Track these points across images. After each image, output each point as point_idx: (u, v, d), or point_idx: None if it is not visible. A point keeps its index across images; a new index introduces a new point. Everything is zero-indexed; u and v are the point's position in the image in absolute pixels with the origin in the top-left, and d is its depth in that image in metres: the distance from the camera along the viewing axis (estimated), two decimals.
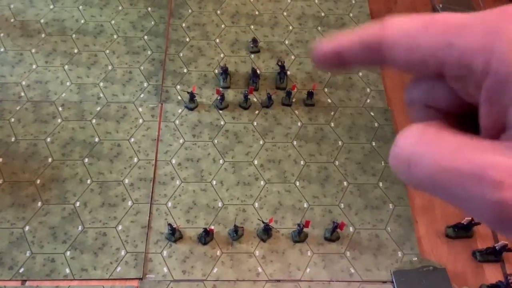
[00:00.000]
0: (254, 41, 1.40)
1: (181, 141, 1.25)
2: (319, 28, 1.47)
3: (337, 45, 0.24)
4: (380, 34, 0.22)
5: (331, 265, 1.09)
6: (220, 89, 1.30)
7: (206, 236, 1.09)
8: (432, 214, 1.17)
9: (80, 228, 1.11)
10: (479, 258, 1.10)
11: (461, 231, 1.12)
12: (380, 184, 1.20)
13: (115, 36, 1.42)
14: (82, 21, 1.44)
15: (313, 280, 1.07)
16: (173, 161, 1.21)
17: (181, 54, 1.40)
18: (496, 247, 1.08)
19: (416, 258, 1.10)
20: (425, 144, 0.20)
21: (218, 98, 1.29)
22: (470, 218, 1.09)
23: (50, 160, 1.20)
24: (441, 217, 1.16)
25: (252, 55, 1.41)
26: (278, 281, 1.07)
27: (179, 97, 1.32)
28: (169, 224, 1.08)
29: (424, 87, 0.24)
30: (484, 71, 0.19)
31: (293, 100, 1.32)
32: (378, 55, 0.22)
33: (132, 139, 1.24)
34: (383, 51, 0.22)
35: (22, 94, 1.30)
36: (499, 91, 0.19)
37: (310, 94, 1.30)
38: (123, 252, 1.08)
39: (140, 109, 1.29)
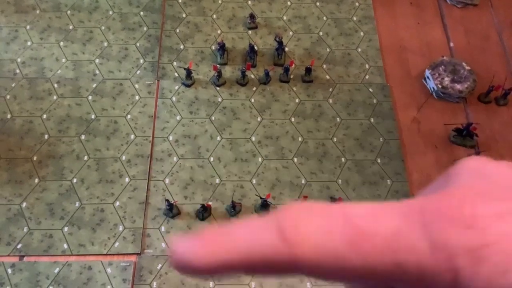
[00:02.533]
0: (252, 17, 1.38)
1: (178, 118, 1.24)
2: (317, 3, 1.45)
3: (221, 258, 0.17)
4: (288, 251, 0.17)
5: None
6: (217, 65, 1.29)
7: (204, 212, 1.10)
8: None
9: (77, 204, 1.11)
10: None
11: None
12: (378, 160, 1.20)
13: (110, 12, 1.40)
14: None
15: None
16: (170, 137, 1.21)
17: (177, 30, 1.38)
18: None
19: None
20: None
21: (215, 74, 1.28)
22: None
23: (46, 137, 1.19)
24: None
25: (250, 31, 1.39)
26: None
27: (176, 74, 1.30)
28: (167, 200, 1.08)
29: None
30: None
31: (291, 76, 1.31)
32: (293, 270, 0.17)
33: (129, 116, 1.23)
34: (299, 269, 0.17)
35: (17, 71, 1.29)
36: None
37: (308, 71, 1.29)
38: (121, 228, 1.08)
39: (137, 86, 1.28)
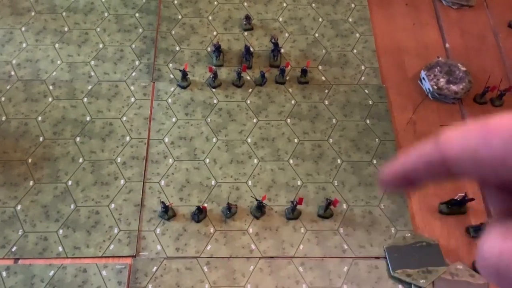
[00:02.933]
0: (247, 18, 1.38)
1: (174, 119, 1.24)
2: (313, 5, 1.45)
3: (401, 169, 0.24)
4: (440, 152, 0.22)
5: (324, 241, 1.09)
6: (213, 67, 1.29)
7: (200, 214, 1.09)
8: (425, 190, 1.17)
9: (72, 206, 1.10)
10: (472, 234, 1.10)
11: (455, 207, 1.12)
12: (374, 161, 1.20)
13: (106, 14, 1.40)
14: None
15: (306, 257, 1.07)
16: (166, 139, 1.21)
17: (173, 32, 1.38)
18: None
19: (409, 234, 1.10)
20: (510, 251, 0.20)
21: (211, 76, 1.28)
22: (464, 194, 1.09)
23: (41, 139, 1.19)
24: (435, 193, 1.16)
25: (245, 33, 1.39)
26: (272, 257, 1.07)
27: (172, 76, 1.30)
28: (162, 202, 1.07)
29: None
30: None
31: (287, 78, 1.31)
32: (445, 171, 0.23)
33: (124, 118, 1.23)
34: (448, 168, 0.22)
35: (13, 73, 1.28)
36: None
37: (304, 72, 1.29)
38: (116, 230, 1.08)
39: (132, 88, 1.27)
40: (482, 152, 0.20)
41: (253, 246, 1.08)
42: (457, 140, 0.22)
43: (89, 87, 1.27)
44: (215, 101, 1.27)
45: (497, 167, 0.20)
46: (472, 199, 1.10)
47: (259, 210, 1.11)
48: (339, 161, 1.20)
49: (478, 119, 0.21)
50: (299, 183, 1.16)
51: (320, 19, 1.43)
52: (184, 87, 1.28)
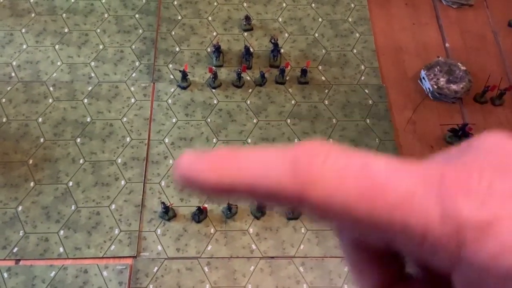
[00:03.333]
0: (247, 18, 1.38)
1: (174, 120, 1.24)
2: (313, 5, 1.45)
3: (227, 180, 0.17)
4: (296, 189, 0.16)
5: (324, 241, 1.09)
6: (213, 67, 1.29)
7: (200, 214, 1.09)
8: None
9: (73, 207, 1.10)
10: None
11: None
12: None
13: (106, 15, 1.40)
14: (72, 0, 1.42)
15: (306, 257, 1.07)
16: (166, 140, 1.21)
17: (173, 33, 1.38)
18: None
19: None
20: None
21: (211, 76, 1.28)
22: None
23: (42, 140, 1.19)
24: None
25: (245, 33, 1.39)
26: (272, 258, 1.07)
27: (172, 76, 1.30)
28: (163, 203, 1.08)
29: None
30: (453, 264, 0.16)
31: (287, 78, 1.31)
32: (295, 207, 0.17)
33: (125, 119, 1.23)
34: (302, 207, 0.17)
35: (13, 74, 1.28)
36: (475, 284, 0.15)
37: (304, 72, 1.29)
38: (116, 231, 1.08)
39: (132, 89, 1.28)
40: (361, 214, 0.16)
41: (253, 246, 1.08)
42: (326, 182, 0.16)
43: (89, 88, 1.27)
44: (215, 102, 1.27)
45: (373, 233, 0.16)
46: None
47: (260, 210, 1.11)
48: None
49: (349, 151, 0.17)
50: None
51: (320, 19, 1.43)
52: (184, 88, 1.28)
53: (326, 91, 1.30)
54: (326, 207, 0.16)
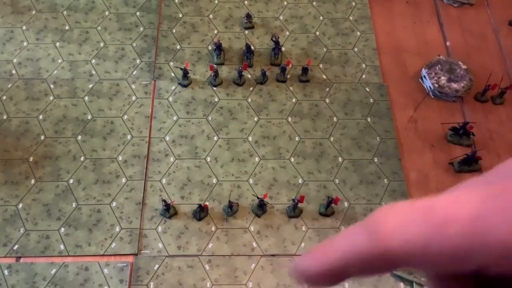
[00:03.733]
0: (248, 16, 1.38)
1: (175, 118, 1.24)
2: (314, 3, 1.45)
3: (327, 266, 0.20)
4: (378, 246, 0.18)
5: (326, 239, 1.09)
6: (214, 65, 1.29)
7: (201, 212, 1.09)
8: (426, 188, 1.17)
9: (74, 205, 1.10)
10: None
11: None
12: (375, 159, 1.20)
13: (106, 13, 1.40)
14: None
15: None
16: (167, 138, 1.21)
17: (174, 31, 1.38)
18: None
19: None
20: None
21: (212, 74, 1.28)
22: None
23: (42, 137, 1.19)
24: (436, 191, 1.16)
25: (246, 31, 1.39)
26: (273, 255, 1.07)
27: (172, 74, 1.30)
28: (164, 200, 1.08)
29: None
30: None
31: (288, 76, 1.31)
32: (385, 266, 0.19)
33: (125, 116, 1.23)
34: (390, 263, 0.19)
35: (14, 71, 1.28)
36: None
37: (305, 70, 1.29)
38: (117, 228, 1.08)
39: (133, 86, 1.27)
40: (435, 249, 0.17)
41: (254, 244, 1.08)
42: (399, 231, 0.18)
43: (90, 86, 1.27)
44: (216, 100, 1.27)
45: (456, 262, 0.18)
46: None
47: (261, 208, 1.11)
48: (340, 159, 1.20)
49: (413, 202, 0.19)
50: (300, 181, 1.16)
51: (321, 18, 1.43)
52: (185, 86, 1.28)
53: (327, 89, 1.30)
54: (408, 252, 0.18)
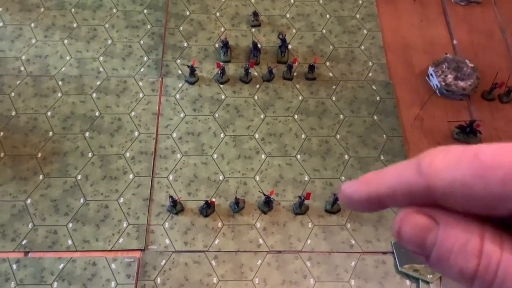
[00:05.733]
0: (255, 14, 1.38)
1: (182, 115, 1.24)
2: (321, 1, 1.45)
3: (373, 192, 0.22)
4: (425, 182, 0.20)
5: (331, 236, 1.10)
6: (221, 63, 1.29)
7: (208, 209, 1.10)
8: None
9: (81, 200, 1.11)
10: None
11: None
12: (382, 157, 1.20)
13: (114, 10, 1.40)
14: None
15: (313, 251, 1.08)
16: (174, 135, 1.21)
17: (181, 28, 1.38)
18: None
19: None
20: None
21: (219, 72, 1.28)
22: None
23: (50, 134, 1.20)
24: None
25: (253, 29, 1.39)
26: (279, 252, 1.08)
27: (180, 71, 1.31)
28: (171, 197, 1.08)
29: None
30: None
31: (294, 74, 1.31)
32: (428, 201, 0.21)
33: (133, 113, 1.24)
34: (433, 199, 0.20)
35: (22, 68, 1.29)
36: None
37: (312, 68, 1.29)
38: (125, 224, 1.09)
39: (140, 83, 1.28)
40: (478, 189, 0.19)
41: (260, 241, 1.08)
42: (446, 171, 0.20)
43: (98, 83, 1.28)
44: (223, 97, 1.27)
45: (493, 205, 0.19)
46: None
47: (267, 205, 1.11)
48: (346, 157, 1.20)
49: (464, 146, 0.20)
50: (306, 178, 1.17)
51: (328, 16, 1.43)
52: (192, 83, 1.29)
53: (334, 87, 1.30)
54: (449, 191, 0.20)
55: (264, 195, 1.10)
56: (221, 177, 1.16)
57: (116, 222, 1.09)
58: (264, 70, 1.31)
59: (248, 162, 1.18)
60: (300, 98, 1.28)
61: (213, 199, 1.12)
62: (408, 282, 1.05)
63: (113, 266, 1.04)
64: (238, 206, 1.11)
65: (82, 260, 1.04)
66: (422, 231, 0.21)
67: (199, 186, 1.15)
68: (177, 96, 1.27)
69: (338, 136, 1.23)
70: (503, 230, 0.20)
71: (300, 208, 1.11)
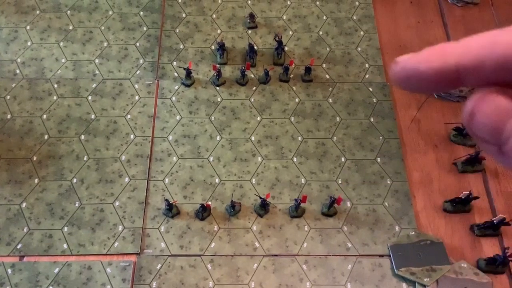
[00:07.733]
0: (251, 16, 1.38)
1: (178, 117, 1.24)
2: (317, 2, 1.45)
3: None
4: (457, 59, 0.21)
5: (328, 239, 1.09)
6: (217, 65, 1.29)
7: (203, 212, 1.09)
8: (429, 188, 1.17)
9: (77, 204, 1.11)
10: (476, 232, 1.10)
11: (459, 206, 1.12)
12: (378, 159, 1.20)
13: (110, 12, 1.40)
14: None
15: (310, 255, 1.07)
16: (170, 137, 1.21)
17: (177, 30, 1.38)
18: (494, 221, 1.07)
19: (413, 233, 1.10)
20: None
21: (215, 74, 1.28)
22: (468, 192, 1.09)
23: (46, 137, 1.19)
24: (439, 191, 1.16)
25: (249, 31, 1.39)
26: (275, 255, 1.07)
27: (176, 74, 1.30)
28: (166, 200, 1.08)
29: None
30: None
31: (291, 76, 1.31)
32: (455, 80, 0.21)
33: (129, 116, 1.23)
34: (459, 77, 0.21)
35: (18, 71, 1.29)
36: None
37: (308, 70, 1.29)
38: (120, 228, 1.08)
39: (136, 86, 1.28)
40: (490, 57, 0.20)
41: (256, 244, 1.08)
42: (462, 50, 0.21)
43: (94, 85, 1.27)
44: (219, 99, 1.27)
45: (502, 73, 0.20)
46: (477, 198, 1.10)
47: (263, 208, 1.11)
48: (343, 159, 1.20)
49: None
50: (302, 181, 1.16)
51: (324, 17, 1.42)
52: (188, 85, 1.28)
53: (330, 89, 1.30)
54: (469, 64, 0.21)
55: (260, 198, 1.09)
56: (217, 180, 1.16)
57: (111, 225, 1.09)
58: (260, 72, 1.31)
59: (245, 165, 1.18)
60: (297, 100, 1.28)
61: (209, 202, 1.12)
62: (404, 285, 1.04)
63: (108, 270, 1.03)
64: (234, 209, 1.10)
65: (78, 264, 1.04)
66: (503, 114, 0.20)
67: (195, 189, 1.14)
68: (173, 98, 1.27)
69: (334, 139, 1.22)
70: None
71: (297, 211, 1.11)
